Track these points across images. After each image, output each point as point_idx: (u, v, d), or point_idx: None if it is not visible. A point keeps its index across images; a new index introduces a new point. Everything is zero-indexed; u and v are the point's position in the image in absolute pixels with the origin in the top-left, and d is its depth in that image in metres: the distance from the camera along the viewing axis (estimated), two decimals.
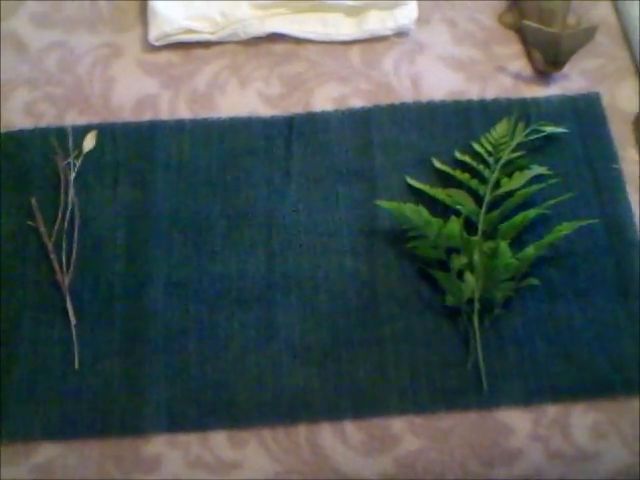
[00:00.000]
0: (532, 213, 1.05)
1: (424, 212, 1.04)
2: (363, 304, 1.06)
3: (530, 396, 1.02)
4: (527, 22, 1.17)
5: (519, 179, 1.08)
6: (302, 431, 1.01)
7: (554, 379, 1.03)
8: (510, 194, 1.07)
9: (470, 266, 1.03)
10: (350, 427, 1.01)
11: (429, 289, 1.07)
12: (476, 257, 1.02)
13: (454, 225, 1.02)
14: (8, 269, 1.08)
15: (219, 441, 1.01)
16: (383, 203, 1.06)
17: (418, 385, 1.02)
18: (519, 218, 1.05)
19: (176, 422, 1.01)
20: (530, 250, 1.01)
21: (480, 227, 1.05)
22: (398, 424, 1.01)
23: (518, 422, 1.01)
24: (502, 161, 1.09)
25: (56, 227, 1.09)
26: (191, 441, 1.01)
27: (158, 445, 1.01)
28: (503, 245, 0.99)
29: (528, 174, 1.08)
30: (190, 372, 1.03)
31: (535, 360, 1.03)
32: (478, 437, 1.01)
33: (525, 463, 1.00)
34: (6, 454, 1.00)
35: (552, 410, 1.02)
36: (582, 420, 1.02)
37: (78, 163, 1.13)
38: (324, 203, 1.12)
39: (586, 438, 1.01)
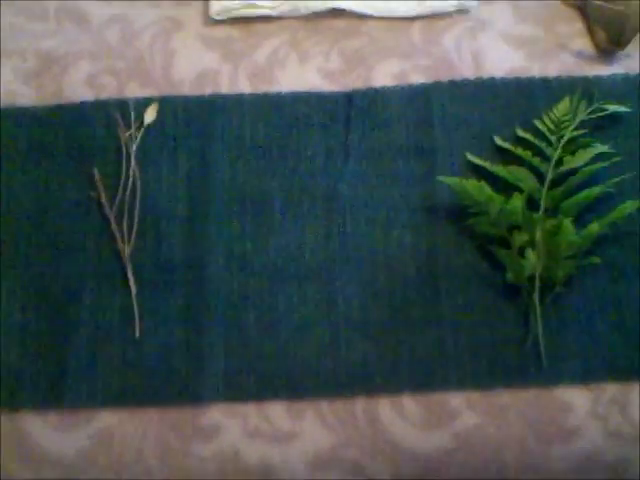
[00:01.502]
0: (595, 191, 1.04)
1: (486, 188, 1.03)
2: (422, 280, 1.07)
3: (589, 375, 1.02)
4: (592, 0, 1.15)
5: (582, 157, 1.07)
6: (360, 404, 1.02)
7: (614, 358, 1.02)
8: (573, 172, 1.06)
9: (532, 243, 1.03)
10: (408, 401, 1.02)
11: (489, 266, 1.07)
12: (538, 234, 1.02)
13: (516, 201, 1.02)
14: (70, 239, 1.09)
15: (277, 412, 1.02)
16: (444, 178, 1.06)
17: (477, 361, 1.02)
18: (582, 196, 1.04)
19: (234, 392, 1.02)
20: (593, 227, 1.00)
21: (542, 204, 1.04)
22: (456, 399, 1.02)
23: (577, 400, 1.01)
24: (565, 139, 1.08)
25: (117, 198, 1.10)
26: (249, 411, 1.02)
27: (216, 414, 1.02)
28: (566, 222, 0.99)
29: (591, 152, 1.07)
30: (249, 343, 1.04)
31: (595, 339, 1.03)
32: (536, 414, 1.01)
33: (583, 441, 1.00)
34: (67, 420, 1.02)
35: (611, 389, 1.02)
36: None
37: (139, 135, 1.13)
38: (383, 178, 1.12)
39: None
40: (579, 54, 1.19)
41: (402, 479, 0.99)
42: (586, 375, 1.02)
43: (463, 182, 1.04)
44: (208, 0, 1.22)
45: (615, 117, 1.12)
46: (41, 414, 1.02)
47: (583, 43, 1.21)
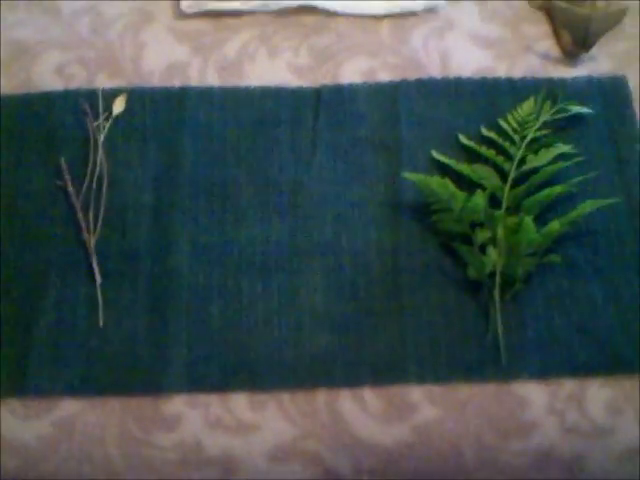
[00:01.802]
0: (556, 190, 1.06)
1: (450, 185, 1.05)
2: (385, 274, 1.08)
3: (547, 370, 1.03)
4: (557, 2, 1.17)
5: (544, 156, 1.09)
6: (321, 396, 1.03)
7: (572, 354, 1.04)
8: (535, 171, 1.08)
9: (493, 240, 1.04)
10: (369, 394, 1.03)
11: (451, 262, 1.08)
12: (499, 232, 1.04)
13: (479, 199, 1.03)
14: (36, 228, 1.10)
15: (239, 403, 1.02)
16: (409, 175, 1.07)
17: (437, 355, 1.04)
18: (543, 194, 1.06)
19: (197, 382, 1.03)
20: (554, 225, 1.02)
21: (504, 202, 1.06)
22: (416, 393, 1.03)
23: (535, 395, 1.03)
24: (528, 139, 1.10)
25: (84, 188, 1.10)
26: (211, 402, 1.02)
27: (179, 404, 1.02)
28: (527, 220, 1.00)
29: (553, 152, 1.09)
30: (212, 334, 1.05)
31: (554, 335, 1.05)
32: (495, 409, 1.02)
33: (540, 436, 1.01)
34: (30, 408, 1.02)
35: (569, 385, 1.03)
36: (598, 395, 1.03)
37: (107, 125, 1.14)
38: (349, 174, 1.13)
39: (602, 413, 1.02)
40: (544, 56, 1.21)
41: (362, 471, 1.00)
42: (544, 371, 1.03)
43: (427, 179, 1.05)
44: None
45: (578, 118, 1.14)
46: (3, 402, 1.02)
47: (549, 45, 1.22)
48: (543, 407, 1.02)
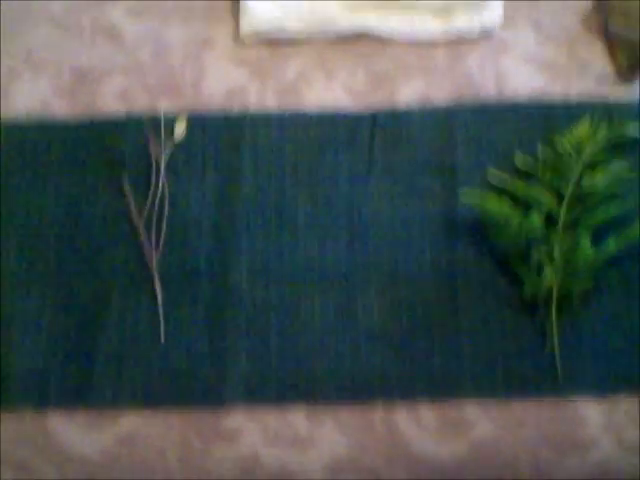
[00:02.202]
0: (612, 210, 1.07)
1: (506, 205, 1.06)
2: (441, 292, 1.09)
3: (604, 387, 1.04)
4: (613, 25, 1.18)
5: (600, 177, 1.09)
6: (377, 412, 1.04)
7: (628, 372, 1.05)
8: (591, 191, 1.08)
9: (549, 259, 1.05)
10: (425, 410, 1.04)
11: (507, 281, 1.09)
12: (556, 250, 1.04)
13: (535, 218, 1.04)
14: (100, 248, 1.13)
15: (296, 417, 1.05)
16: (465, 195, 1.08)
17: (494, 372, 1.05)
18: (600, 214, 1.07)
19: (255, 396, 1.05)
20: (610, 244, 1.03)
21: (560, 222, 1.07)
22: (472, 409, 1.04)
23: (591, 413, 1.03)
24: (584, 159, 1.10)
25: (146, 209, 1.13)
26: (269, 416, 1.05)
27: (237, 418, 1.05)
28: (584, 239, 1.01)
29: (609, 172, 1.10)
30: (270, 349, 1.07)
31: (610, 353, 1.05)
32: (551, 426, 1.03)
33: (597, 454, 1.02)
34: (93, 420, 1.05)
35: (625, 403, 1.04)
36: None
37: (169, 149, 1.16)
38: (405, 195, 1.14)
39: None
40: (600, 78, 1.21)
41: None
42: (601, 388, 1.04)
43: (483, 199, 1.06)
44: (239, 21, 1.24)
45: (632, 140, 1.14)
46: (67, 414, 1.05)
47: (604, 67, 1.23)
48: (600, 424, 1.03)
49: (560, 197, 1.09)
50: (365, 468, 1.01)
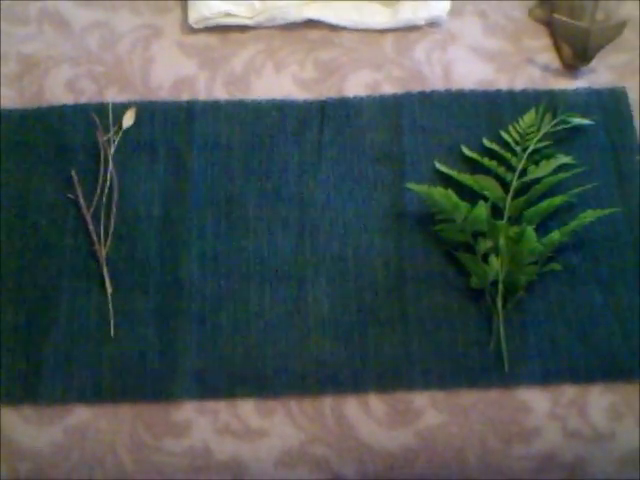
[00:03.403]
0: (557, 200, 1.08)
1: (453, 196, 1.07)
2: (390, 282, 1.10)
3: (549, 377, 1.05)
4: (558, 16, 1.19)
5: (545, 167, 1.11)
6: (328, 402, 1.05)
7: (573, 361, 1.06)
8: (536, 182, 1.10)
9: (495, 250, 1.06)
10: (374, 400, 1.05)
11: (454, 271, 1.10)
12: (502, 241, 1.06)
13: (481, 210, 1.05)
14: (48, 239, 1.12)
15: (247, 409, 1.05)
16: (413, 186, 1.09)
17: (441, 362, 1.06)
18: (544, 205, 1.08)
19: (206, 389, 1.05)
20: (555, 235, 1.04)
21: (506, 213, 1.08)
22: (420, 399, 1.05)
23: (537, 401, 1.05)
24: (529, 150, 1.12)
25: (95, 200, 1.12)
26: (220, 408, 1.05)
27: (188, 411, 1.05)
28: (529, 230, 1.02)
29: (554, 163, 1.11)
30: (221, 342, 1.07)
31: (555, 342, 1.07)
32: (498, 414, 1.04)
33: (542, 441, 1.03)
34: (42, 415, 1.04)
35: (570, 391, 1.05)
36: (599, 401, 1.05)
37: (117, 139, 1.16)
38: (354, 185, 1.15)
39: (602, 419, 1.04)
40: (545, 68, 1.23)
41: (367, 476, 1.02)
42: (546, 377, 1.05)
43: (431, 190, 1.08)
44: (187, 9, 1.24)
45: (578, 130, 1.17)
46: (16, 408, 1.04)
47: (549, 58, 1.24)
48: (545, 413, 1.04)
49: (506, 187, 1.11)
50: (316, 459, 1.02)
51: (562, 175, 1.11)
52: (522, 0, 1.29)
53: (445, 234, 1.09)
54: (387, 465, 1.02)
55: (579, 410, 1.04)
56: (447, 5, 1.25)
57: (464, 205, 1.06)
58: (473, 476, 1.02)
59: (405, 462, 1.02)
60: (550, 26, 1.26)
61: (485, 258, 1.07)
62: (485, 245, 1.07)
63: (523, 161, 1.11)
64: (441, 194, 1.07)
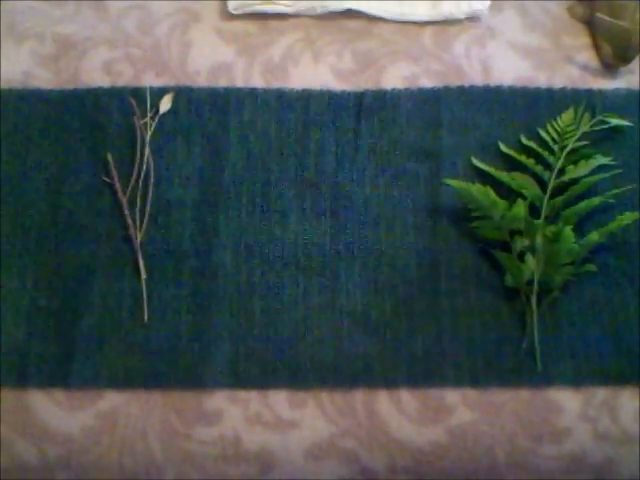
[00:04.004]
0: (596, 201, 1.08)
1: (491, 193, 1.06)
2: (424, 278, 1.10)
3: (581, 378, 1.05)
4: (601, 15, 1.18)
5: (584, 167, 1.11)
6: (359, 396, 1.05)
7: (605, 363, 1.06)
8: (574, 182, 1.10)
9: (532, 249, 1.06)
10: (406, 395, 1.05)
11: (489, 268, 1.10)
12: (538, 240, 1.05)
13: (519, 208, 1.05)
14: (83, 222, 1.12)
15: (278, 400, 1.05)
16: (451, 182, 1.09)
17: (474, 359, 1.06)
18: (582, 205, 1.07)
19: (238, 379, 1.05)
20: (593, 236, 1.04)
21: (543, 212, 1.07)
22: (452, 395, 1.05)
23: (568, 402, 1.05)
24: (567, 149, 1.11)
25: (130, 184, 1.12)
26: (251, 398, 1.05)
27: (219, 400, 1.05)
28: (568, 230, 1.02)
29: (593, 163, 1.11)
30: (254, 332, 1.07)
31: (588, 343, 1.07)
32: (529, 413, 1.04)
33: (572, 442, 1.04)
34: (74, 399, 1.04)
35: (602, 393, 1.05)
36: (630, 404, 1.05)
37: (154, 123, 1.15)
38: (389, 177, 1.15)
39: (632, 421, 1.04)
40: (584, 67, 1.22)
41: (396, 471, 1.02)
42: (578, 378, 1.05)
43: (469, 186, 1.07)
44: None
45: (616, 130, 1.16)
46: (48, 392, 1.05)
47: (588, 56, 1.24)
48: (576, 413, 1.04)
49: (543, 185, 1.10)
50: (346, 452, 1.03)
51: (600, 176, 1.10)
52: None
53: (481, 231, 1.09)
54: (416, 461, 1.03)
55: (610, 412, 1.05)
56: (487, 1, 1.23)
57: (502, 203, 1.06)
58: (502, 474, 1.03)
59: (434, 458, 1.03)
60: (589, 25, 1.25)
61: (521, 257, 1.07)
62: (522, 244, 1.07)
63: (561, 160, 1.11)
64: (479, 191, 1.06)
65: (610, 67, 1.22)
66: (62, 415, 1.04)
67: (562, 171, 1.10)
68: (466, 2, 1.23)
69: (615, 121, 1.15)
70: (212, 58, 1.22)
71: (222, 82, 1.20)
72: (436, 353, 1.06)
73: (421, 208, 1.13)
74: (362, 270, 1.10)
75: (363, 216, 1.12)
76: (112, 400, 1.05)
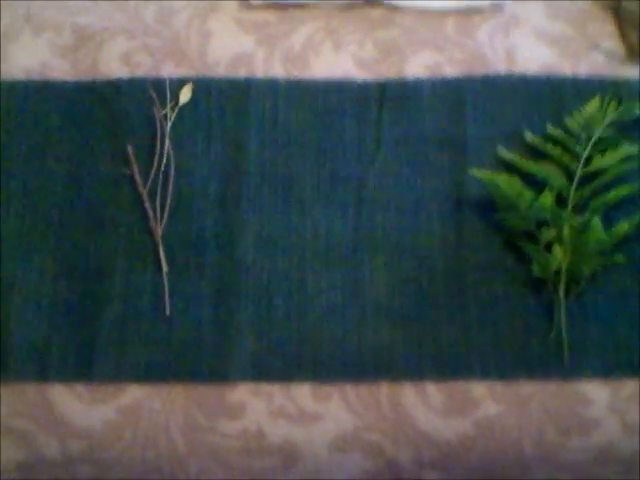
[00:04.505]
0: (624, 190, 1.06)
1: (517, 183, 1.05)
2: (449, 270, 1.08)
3: (609, 369, 1.04)
4: (625, 2, 1.17)
5: (611, 157, 1.09)
6: (384, 389, 1.04)
7: (634, 354, 1.05)
8: (602, 171, 1.08)
9: (559, 239, 1.04)
10: (431, 388, 1.04)
11: (515, 259, 1.08)
12: (566, 231, 1.04)
13: (547, 198, 1.03)
14: (103, 214, 1.11)
15: (302, 393, 1.04)
16: (477, 172, 1.07)
17: (500, 351, 1.05)
18: (611, 195, 1.06)
19: (261, 372, 1.04)
20: (622, 226, 1.03)
21: (570, 202, 1.06)
22: (479, 388, 1.04)
23: (596, 394, 1.04)
24: (594, 138, 1.09)
25: (151, 176, 1.11)
26: (274, 391, 1.04)
27: (242, 393, 1.04)
28: (596, 220, 1.01)
29: (620, 152, 1.09)
30: (277, 325, 1.06)
31: (617, 335, 1.05)
32: (556, 406, 1.03)
33: (600, 434, 1.02)
34: (95, 393, 1.04)
35: (630, 385, 1.04)
36: None
37: (174, 114, 1.14)
38: (413, 168, 1.13)
39: None
40: (609, 55, 1.20)
41: (423, 463, 1.01)
42: (606, 370, 1.04)
43: (495, 176, 1.06)
44: None
45: None
46: (69, 386, 1.04)
47: (613, 44, 1.22)
48: (604, 405, 1.03)
49: (569, 175, 1.08)
50: (370, 445, 1.02)
51: (628, 165, 1.08)
52: None
53: (507, 222, 1.07)
54: (443, 454, 1.02)
55: (638, 404, 1.03)
56: None
57: (529, 193, 1.04)
58: (529, 467, 1.02)
59: (461, 451, 1.02)
60: (615, 13, 1.23)
61: (548, 247, 1.05)
62: (549, 234, 1.05)
63: (588, 149, 1.09)
64: (505, 181, 1.05)
65: (636, 57, 1.20)
66: (84, 409, 1.03)
67: (589, 160, 1.09)
68: None
69: None
70: (232, 48, 1.21)
71: (242, 72, 1.19)
72: (462, 345, 1.05)
73: (446, 198, 1.11)
74: (386, 262, 1.09)
75: (386, 207, 1.11)
76: (134, 394, 1.04)
